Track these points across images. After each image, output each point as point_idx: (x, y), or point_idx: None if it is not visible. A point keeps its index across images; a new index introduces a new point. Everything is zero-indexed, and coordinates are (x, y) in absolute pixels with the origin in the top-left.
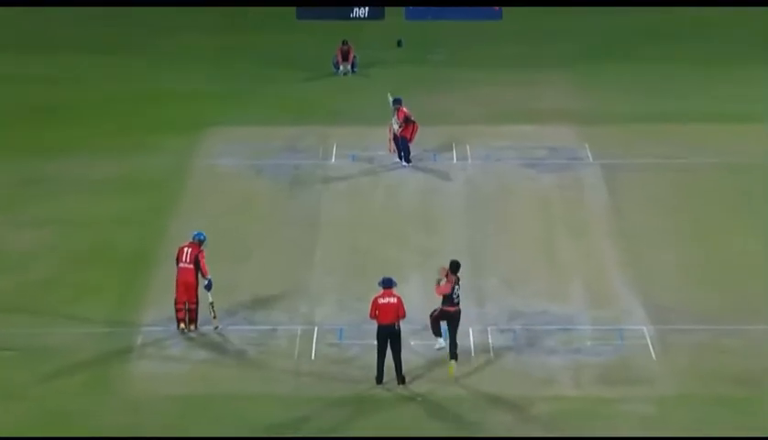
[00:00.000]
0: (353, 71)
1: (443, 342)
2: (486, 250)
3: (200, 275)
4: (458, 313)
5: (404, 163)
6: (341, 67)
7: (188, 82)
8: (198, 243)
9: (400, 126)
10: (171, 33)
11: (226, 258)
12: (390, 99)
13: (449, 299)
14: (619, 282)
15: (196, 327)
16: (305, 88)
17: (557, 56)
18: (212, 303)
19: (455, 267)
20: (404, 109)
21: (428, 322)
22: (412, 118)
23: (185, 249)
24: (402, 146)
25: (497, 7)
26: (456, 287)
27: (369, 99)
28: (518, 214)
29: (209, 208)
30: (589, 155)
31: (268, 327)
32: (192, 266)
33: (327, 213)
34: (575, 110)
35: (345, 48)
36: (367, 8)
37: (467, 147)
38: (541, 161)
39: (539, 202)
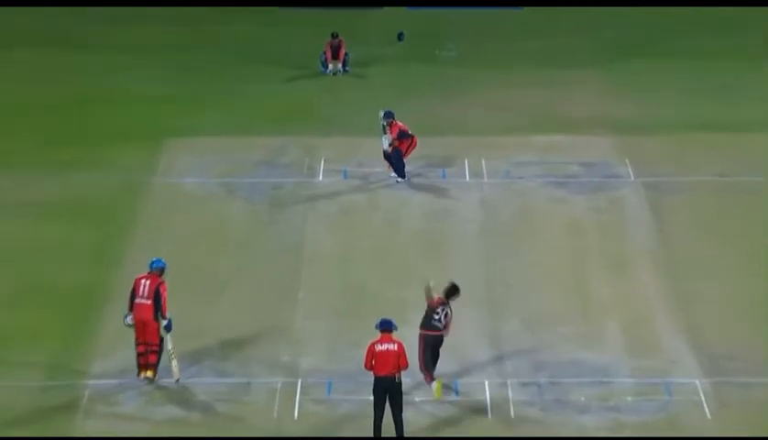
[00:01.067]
0: (344, 71)
1: (434, 385)
2: (505, 286)
3: (160, 312)
4: (440, 339)
5: (398, 179)
6: (330, 65)
7: (144, 82)
8: (158, 272)
9: (391, 144)
10: (124, 23)
11: (192, 296)
12: (381, 113)
13: (427, 321)
14: (666, 326)
15: (155, 376)
16: (287, 90)
17: (590, 51)
18: (172, 350)
19: (450, 292)
20: (399, 123)
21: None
22: (409, 132)
23: (142, 281)
24: (395, 158)
25: None
26: (442, 309)
27: (364, 104)
28: (543, 244)
29: (170, 236)
30: (630, 171)
31: (242, 380)
32: (150, 301)
33: (314, 241)
34: (612, 117)
35: (336, 41)
36: None
37: (483, 161)
38: (571, 179)
39: (569, 228)
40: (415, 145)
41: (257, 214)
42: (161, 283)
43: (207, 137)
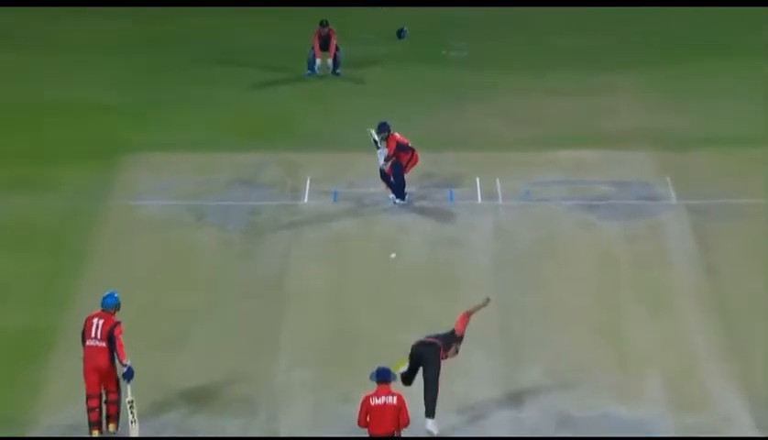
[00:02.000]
0: (335, 73)
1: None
2: (524, 329)
3: (116, 358)
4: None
5: (396, 200)
6: (317, 61)
7: (97, 88)
8: (112, 310)
9: (387, 160)
10: (73, 18)
11: (153, 340)
12: (370, 131)
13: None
14: (716, 375)
15: (117, 428)
16: (266, 96)
17: (629, 51)
18: (131, 402)
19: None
20: (397, 135)
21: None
22: (410, 145)
23: (94, 321)
24: (395, 174)
25: None
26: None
27: (357, 113)
28: (569, 278)
29: (129, 269)
30: (672, 193)
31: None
32: (104, 344)
33: (298, 276)
34: (653, 128)
35: (325, 30)
36: None
37: (498, 181)
38: (603, 202)
39: (600, 260)
40: (416, 160)
41: (231, 243)
42: (116, 324)
43: (172, 153)
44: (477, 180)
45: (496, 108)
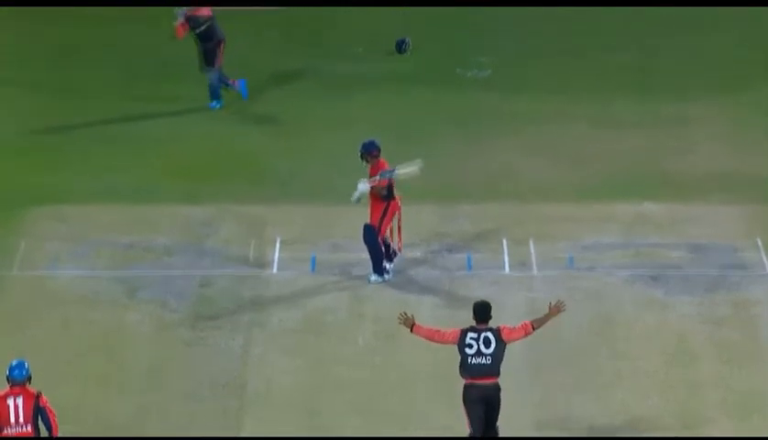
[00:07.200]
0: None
1: None
2: None
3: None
4: (496, 389)
5: (373, 276)
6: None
7: None
8: (26, 382)
9: (360, 200)
10: None
11: None
12: (397, 172)
13: (465, 362)
14: None
15: None
16: (221, 128)
17: (705, 71)
18: None
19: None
20: (383, 160)
21: None
22: (391, 178)
23: (9, 403)
24: (369, 240)
25: None
26: (471, 336)
27: (341, 151)
28: (630, 375)
29: (34, 362)
30: (765, 260)
31: None
32: (31, 427)
33: (262, 372)
34: (741, 173)
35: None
36: None
37: (532, 243)
38: (674, 272)
39: (670, 349)
40: (395, 209)
41: (173, 327)
42: (39, 396)
43: (92, 205)
44: (504, 241)
45: (528, 145)
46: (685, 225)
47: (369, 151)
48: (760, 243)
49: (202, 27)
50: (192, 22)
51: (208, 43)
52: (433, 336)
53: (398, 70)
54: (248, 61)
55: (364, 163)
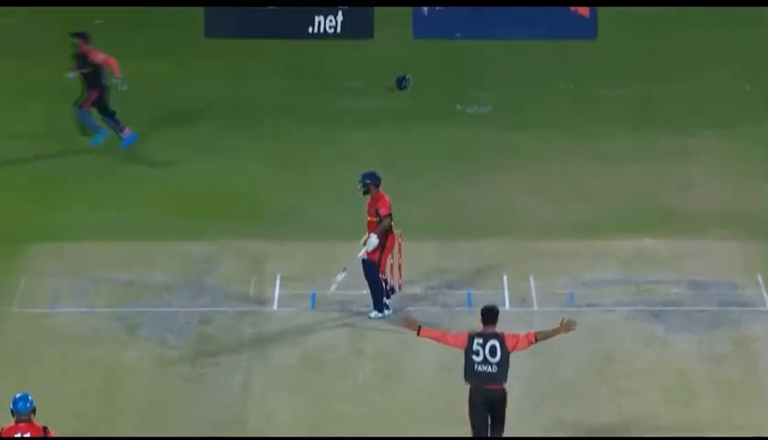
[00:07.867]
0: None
1: None
2: None
3: None
4: (502, 393)
5: (373, 312)
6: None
7: None
8: (31, 415)
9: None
10: None
11: None
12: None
13: (471, 368)
14: None
15: None
16: (221, 164)
17: (706, 104)
18: None
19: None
20: (383, 192)
21: None
22: (389, 215)
23: (18, 437)
24: (369, 275)
25: (582, 10)
26: (477, 342)
27: (343, 188)
28: (630, 412)
29: (36, 396)
30: (766, 296)
31: None
32: None
33: (262, 410)
34: (742, 209)
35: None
36: (340, 17)
37: (532, 279)
38: (674, 308)
39: (671, 388)
40: (392, 245)
41: (173, 364)
42: (46, 430)
43: (92, 242)
44: (505, 278)
45: (528, 181)
46: (686, 260)
47: (369, 181)
48: (760, 279)
49: (88, 70)
50: (81, 60)
51: (90, 86)
52: (440, 339)
53: (398, 106)
54: (248, 97)
55: (363, 193)
